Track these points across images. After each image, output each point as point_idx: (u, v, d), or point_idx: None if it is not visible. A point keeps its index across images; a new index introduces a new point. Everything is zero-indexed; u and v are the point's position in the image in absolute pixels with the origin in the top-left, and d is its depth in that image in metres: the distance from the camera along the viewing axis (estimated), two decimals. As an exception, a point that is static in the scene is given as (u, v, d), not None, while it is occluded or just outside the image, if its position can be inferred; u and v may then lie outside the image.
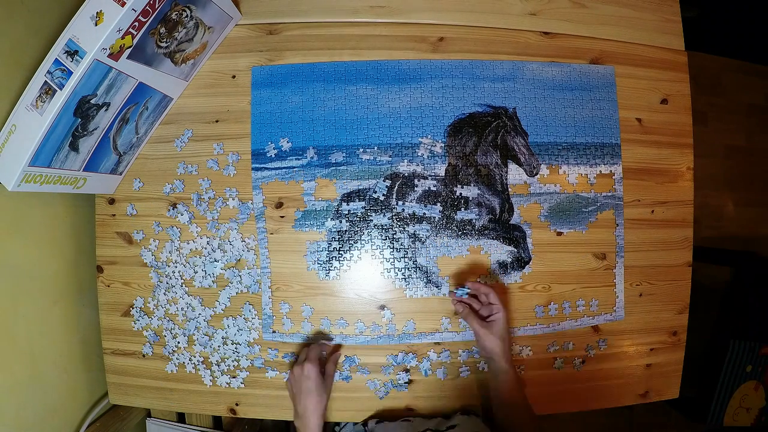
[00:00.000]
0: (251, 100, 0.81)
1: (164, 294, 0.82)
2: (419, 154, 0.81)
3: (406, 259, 0.81)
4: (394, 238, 0.81)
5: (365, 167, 0.80)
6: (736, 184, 1.88)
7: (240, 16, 0.79)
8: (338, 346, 0.82)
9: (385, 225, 0.80)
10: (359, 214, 0.80)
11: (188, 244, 0.81)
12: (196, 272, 0.81)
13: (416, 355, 0.82)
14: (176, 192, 0.82)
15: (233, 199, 0.81)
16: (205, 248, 0.81)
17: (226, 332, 0.82)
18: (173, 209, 0.81)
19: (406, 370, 0.82)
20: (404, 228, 0.81)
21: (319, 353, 0.74)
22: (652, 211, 0.87)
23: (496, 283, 0.82)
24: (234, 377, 0.83)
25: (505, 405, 0.72)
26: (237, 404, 0.84)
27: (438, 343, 0.82)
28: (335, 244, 0.80)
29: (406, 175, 0.81)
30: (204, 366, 0.83)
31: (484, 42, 0.83)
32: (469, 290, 0.73)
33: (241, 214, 0.81)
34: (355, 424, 0.82)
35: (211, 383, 0.83)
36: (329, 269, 0.81)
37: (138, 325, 0.83)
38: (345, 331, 0.81)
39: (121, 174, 0.81)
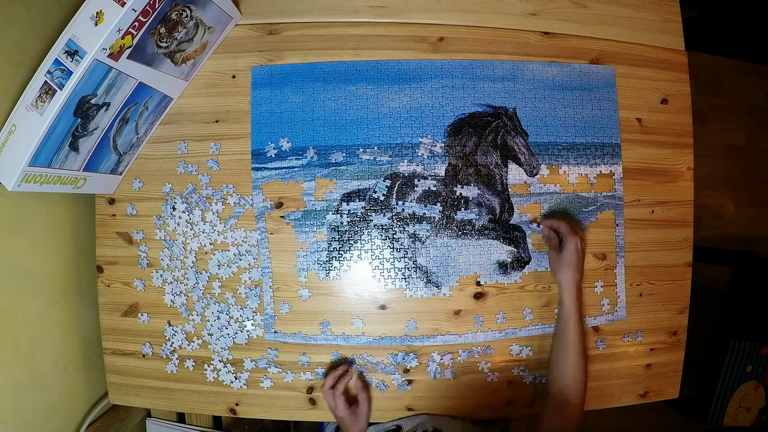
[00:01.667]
0: (251, 100, 0.81)
1: (172, 293, 0.82)
2: (419, 154, 0.81)
3: (406, 259, 0.81)
4: (394, 238, 0.81)
5: (365, 167, 0.80)
6: (736, 184, 1.88)
7: (240, 16, 0.79)
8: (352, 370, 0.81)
9: (385, 225, 0.80)
10: (359, 214, 0.80)
11: (190, 244, 0.82)
12: (195, 283, 0.82)
13: (417, 355, 0.82)
14: (176, 192, 0.82)
15: (231, 196, 0.81)
16: (206, 250, 0.81)
17: (228, 332, 0.82)
18: (171, 200, 0.81)
19: (407, 370, 0.82)
20: (404, 228, 0.80)
21: (342, 389, 0.76)
22: (652, 211, 0.86)
23: (567, 216, 0.82)
24: (237, 378, 0.83)
25: (556, 341, 0.76)
26: (237, 404, 0.84)
27: (438, 346, 0.82)
28: (335, 244, 0.80)
29: (406, 175, 0.80)
30: (206, 364, 0.83)
31: (484, 42, 0.83)
32: (542, 227, 0.80)
33: (237, 211, 0.81)
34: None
35: (214, 378, 0.83)
36: (329, 269, 0.81)
37: (147, 322, 0.83)
38: (347, 331, 0.82)
39: (121, 174, 0.81)
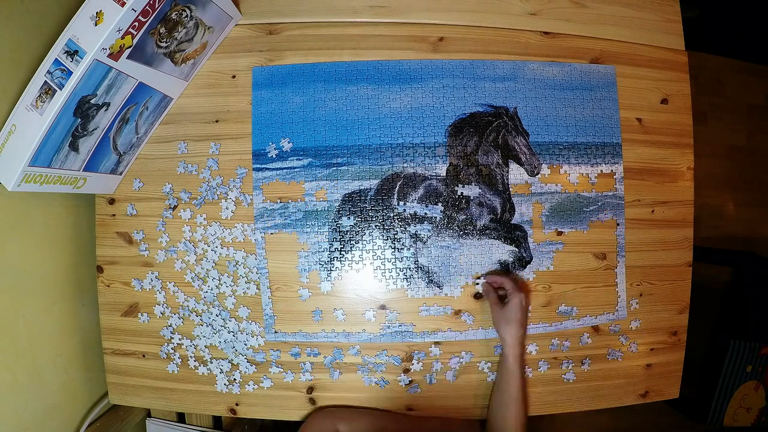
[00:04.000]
0: (252, 101, 0.81)
1: (172, 293, 0.82)
2: (420, 154, 0.80)
3: (408, 260, 0.81)
4: (395, 238, 0.80)
5: (366, 167, 0.80)
6: (736, 184, 1.88)
7: (240, 16, 0.79)
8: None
9: (387, 225, 0.80)
10: (360, 214, 0.80)
11: (192, 238, 0.82)
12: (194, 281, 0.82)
13: (419, 355, 0.82)
14: (176, 192, 0.82)
15: (232, 191, 0.81)
16: (205, 250, 0.81)
17: (229, 333, 0.82)
18: (171, 198, 0.81)
19: (407, 370, 0.82)
20: (405, 228, 0.80)
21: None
22: (653, 211, 0.86)
23: (513, 274, 0.82)
24: (233, 379, 0.82)
25: (497, 392, 0.77)
26: (237, 404, 0.84)
27: (438, 343, 0.82)
28: (336, 245, 0.80)
29: (408, 175, 0.80)
30: (204, 365, 0.83)
31: (485, 42, 0.83)
32: (485, 282, 0.81)
33: (237, 211, 0.81)
34: None
35: (207, 372, 0.83)
36: (330, 269, 0.81)
37: (147, 322, 0.83)
38: (347, 329, 0.82)
39: (121, 174, 0.81)
